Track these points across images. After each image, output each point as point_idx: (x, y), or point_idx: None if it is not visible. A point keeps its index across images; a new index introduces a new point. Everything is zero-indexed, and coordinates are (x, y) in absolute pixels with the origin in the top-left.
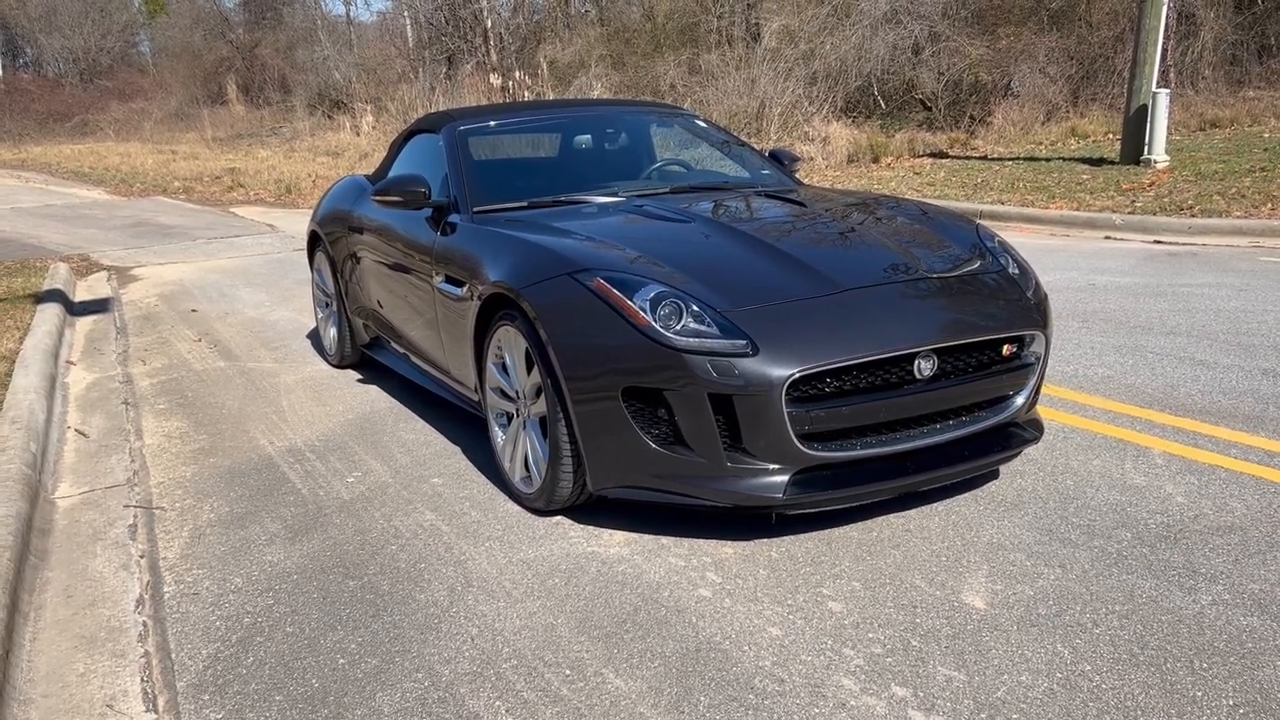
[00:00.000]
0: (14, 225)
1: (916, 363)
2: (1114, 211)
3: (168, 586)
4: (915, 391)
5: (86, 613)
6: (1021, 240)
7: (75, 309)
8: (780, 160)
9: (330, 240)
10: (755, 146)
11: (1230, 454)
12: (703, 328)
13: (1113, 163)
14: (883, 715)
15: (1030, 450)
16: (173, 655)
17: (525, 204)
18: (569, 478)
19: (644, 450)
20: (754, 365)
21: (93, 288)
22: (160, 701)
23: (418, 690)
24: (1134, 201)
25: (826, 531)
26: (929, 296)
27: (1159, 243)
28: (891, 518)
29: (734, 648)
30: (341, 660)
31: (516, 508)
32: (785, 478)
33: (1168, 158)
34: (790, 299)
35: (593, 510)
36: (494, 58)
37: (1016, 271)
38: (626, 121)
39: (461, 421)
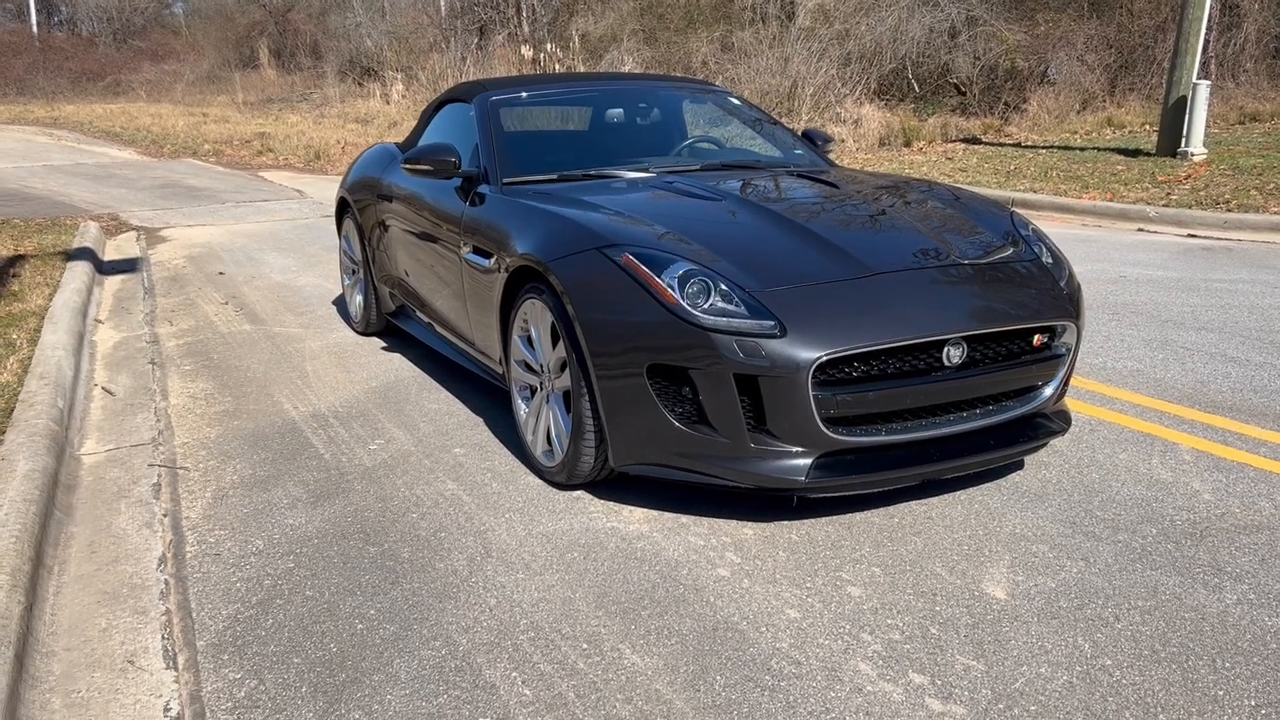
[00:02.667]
0: (45, 183)
1: (945, 350)
2: (1148, 204)
3: (190, 546)
4: (943, 379)
5: (109, 569)
6: (1053, 230)
7: (104, 268)
8: (813, 140)
9: (359, 207)
10: (788, 126)
11: (1260, 452)
12: (731, 307)
13: (1149, 154)
14: (899, 702)
15: (1056, 442)
16: (194, 614)
17: (555, 177)
18: (591, 453)
19: (667, 428)
20: (781, 347)
21: (121, 248)
22: (180, 660)
23: (435, 658)
24: (1169, 194)
25: (847, 516)
26: (960, 283)
27: (1193, 236)
28: (913, 504)
29: (751, 628)
30: (360, 625)
31: (537, 481)
32: (809, 461)
33: (1205, 151)
34: (819, 281)
35: (613, 486)
36: (526, 29)
37: (1050, 260)
38: (660, 97)
39: (485, 392)
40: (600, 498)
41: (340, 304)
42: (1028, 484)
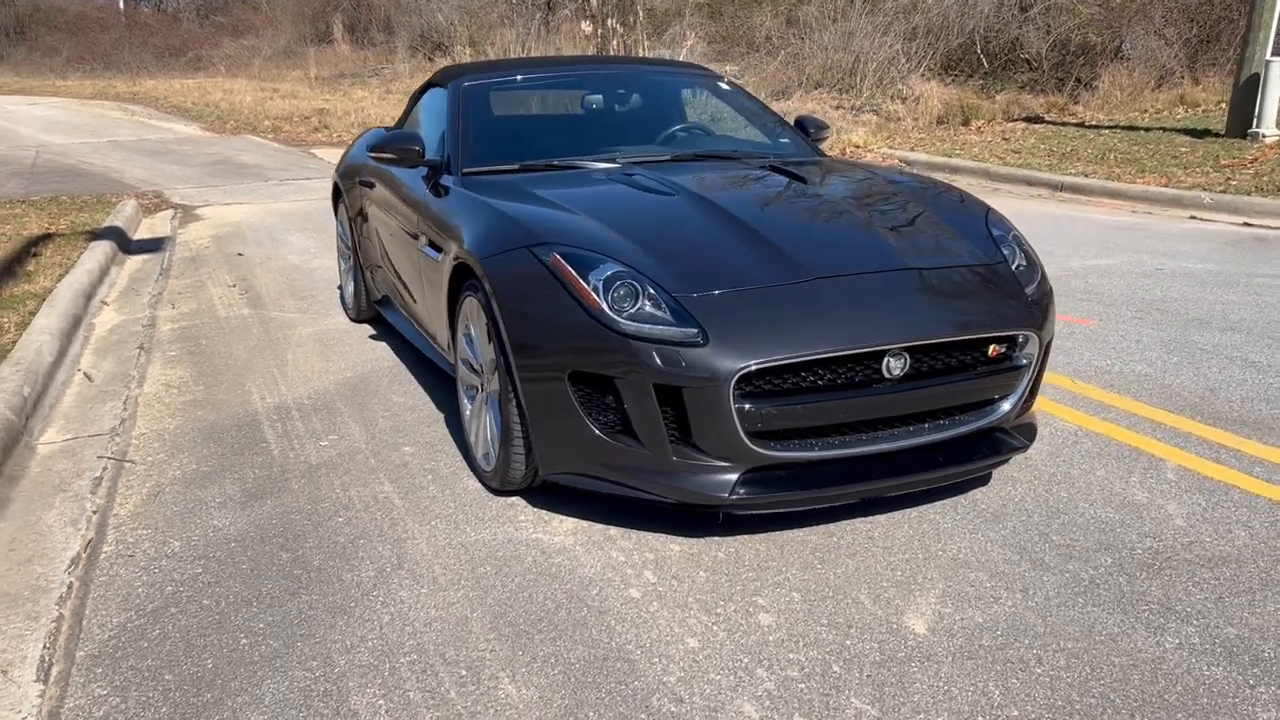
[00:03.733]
0: (105, 159)
1: (885, 361)
2: (1205, 189)
3: (108, 546)
4: (884, 392)
5: (21, 569)
6: (1099, 217)
7: (131, 248)
8: (806, 128)
9: (347, 192)
10: (779, 112)
11: (1253, 472)
12: (657, 313)
13: (1218, 135)
14: None
15: (1030, 455)
16: (84, 622)
17: (517, 167)
18: (521, 460)
19: (590, 437)
20: (702, 356)
21: (154, 226)
22: (54, 672)
23: (306, 680)
24: (1229, 179)
25: (782, 533)
26: (909, 289)
27: (1248, 225)
28: (857, 522)
29: (644, 658)
30: (244, 640)
31: (476, 485)
32: (734, 476)
33: (1278, 132)
34: (753, 286)
35: (549, 493)
36: (593, 2)
37: (1022, 265)
38: (644, 83)
39: (452, 388)
40: (535, 505)
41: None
42: (987, 502)
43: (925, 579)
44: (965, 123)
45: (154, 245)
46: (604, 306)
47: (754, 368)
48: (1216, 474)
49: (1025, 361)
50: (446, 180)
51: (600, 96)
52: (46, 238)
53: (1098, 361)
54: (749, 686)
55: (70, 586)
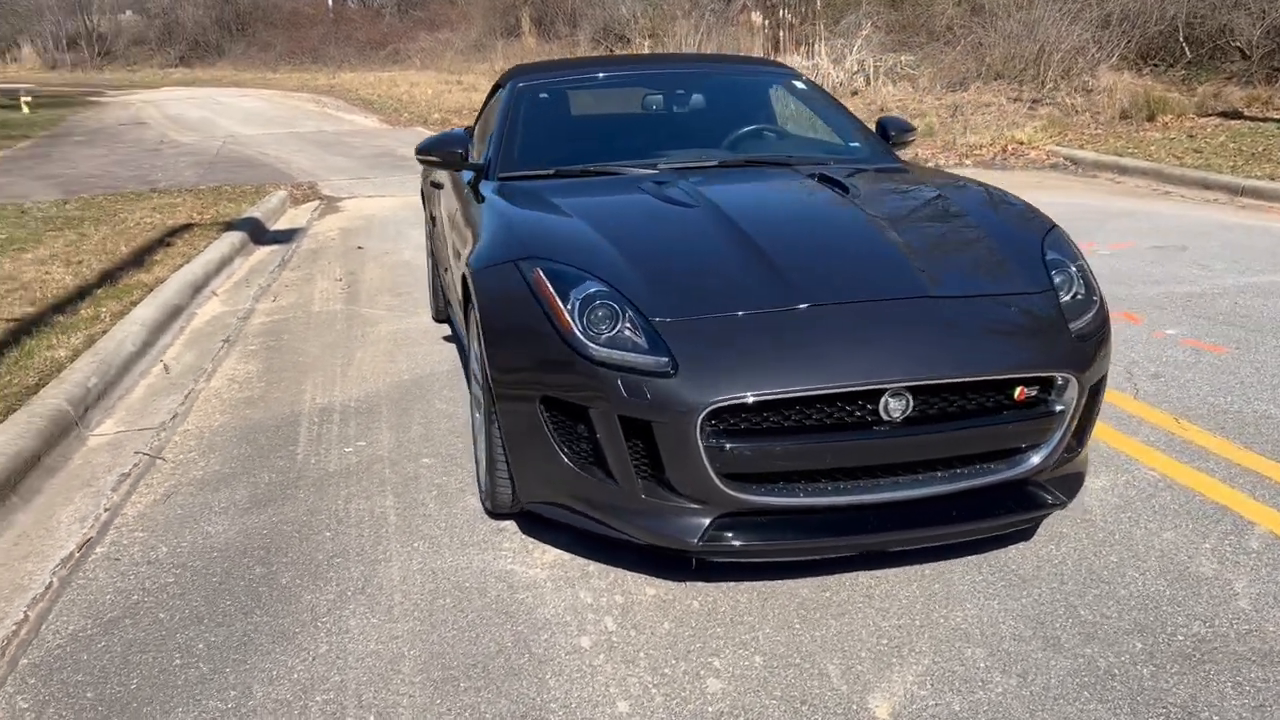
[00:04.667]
0: (280, 150)
1: (884, 401)
2: None
3: (100, 547)
4: (884, 436)
5: (14, 565)
6: (1269, 224)
7: (264, 238)
8: (887, 131)
9: (426, 193)
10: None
11: None
12: (633, 338)
13: None
14: None
15: (1089, 508)
16: (43, 627)
17: (552, 172)
18: (506, 484)
19: (562, 467)
20: (668, 388)
21: (294, 218)
22: None
23: (216, 712)
24: None
25: (772, 583)
26: (922, 320)
27: None
28: (861, 576)
29: None
30: (177, 661)
31: (478, 504)
32: (706, 520)
33: None
34: (740, 311)
35: (546, 520)
36: None
37: (1078, 295)
38: (708, 82)
39: None
40: (525, 532)
41: None
42: (1020, 561)
43: (912, 651)
44: (1150, 118)
45: (285, 237)
46: (575, 329)
47: (724, 403)
48: None
49: (1062, 407)
50: (484, 185)
51: (660, 97)
52: (186, 227)
53: (1215, 398)
54: None
55: (48, 587)
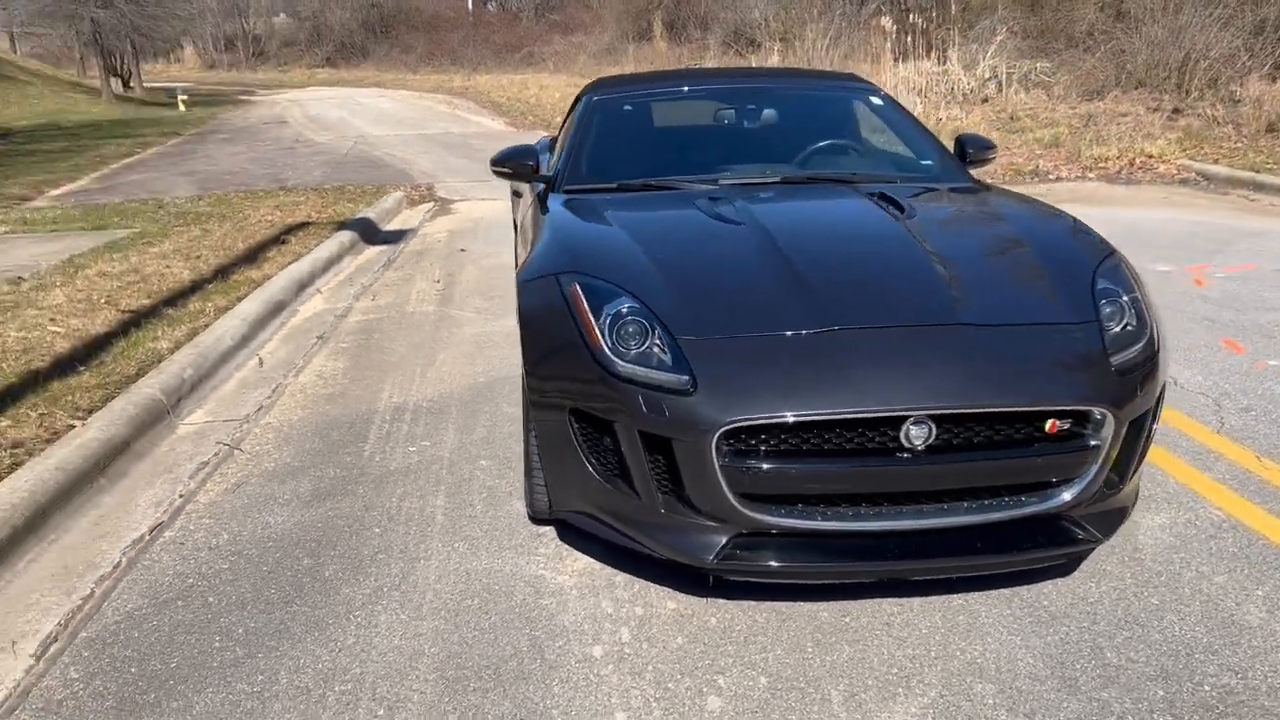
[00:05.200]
0: (405, 151)
1: (905, 428)
2: None
3: (169, 531)
4: (905, 463)
5: (91, 544)
6: None
7: (376, 238)
8: (965, 148)
9: (513, 201)
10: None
11: None
12: (661, 355)
13: None
14: None
15: (1139, 546)
16: (104, 604)
17: (615, 186)
18: (541, 491)
19: (588, 478)
20: (687, 406)
21: (407, 219)
22: (51, 649)
23: (241, 694)
24: None
25: (793, 606)
26: (952, 348)
27: None
28: (886, 603)
29: None
30: (216, 644)
31: (522, 509)
32: (723, 539)
33: None
34: (765, 332)
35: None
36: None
37: (1129, 326)
38: (782, 97)
39: None
40: (561, 539)
41: None
42: (1054, 598)
43: (921, 683)
44: None
45: (395, 237)
46: (604, 345)
47: (740, 424)
48: None
49: (1097, 442)
50: (551, 198)
51: (732, 112)
52: (302, 226)
53: None
54: None
55: (116, 566)
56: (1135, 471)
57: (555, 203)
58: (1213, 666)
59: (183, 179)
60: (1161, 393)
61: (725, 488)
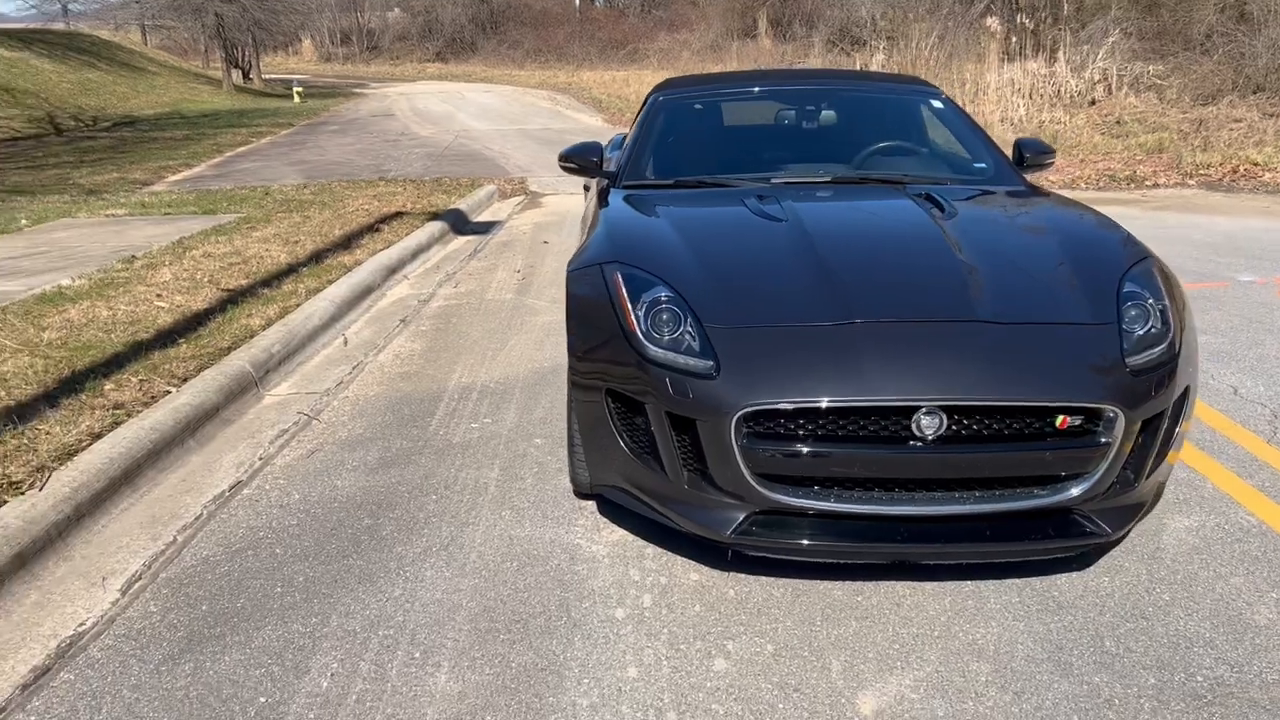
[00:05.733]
0: (503, 146)
1: (916, 418)
2: None
3: (247, 490)
4: (915, 452)
5: (178, 497)
6: None
7: (465, 229)
8: (1022, 152)
9: (585, 197)
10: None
11: None
12: (690, 342)
13: None
14: None
15: (1165, 544)
16: (184, 550)
17: (671, 183)
18: (582, 466)
19: (622, 455)
20: (709, 390)
21: (497, 211)
22: (136, 586)
23: (296, 634)
24: None
25: (811, 583)
26: (967, 343)
27: None
28: (899, 586)
29: (576, 677)
30: (278, 589)
31: (568, 484)
32: (740, 515)
33: None
34: (790, 323)
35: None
36: None
37: (1147, 331)
38: (841, 99)
39: None
40: (600, 512)
41: None
42: (1065, 588)
43: (919, 658)
44: None
45: (484, 228)
46: (638, 330)
47: (758, 407)
48: None
49: (1108, 440)
50: (612, 193)
51: (793, 112)
52: (397, 215)
53: None
54: None
55: (197, 518)
56: (1152, 470)
57: (615, 198)
58: (1209, 659)
59: (291, 168)
60: (1186, 395)
61: (743, 467)
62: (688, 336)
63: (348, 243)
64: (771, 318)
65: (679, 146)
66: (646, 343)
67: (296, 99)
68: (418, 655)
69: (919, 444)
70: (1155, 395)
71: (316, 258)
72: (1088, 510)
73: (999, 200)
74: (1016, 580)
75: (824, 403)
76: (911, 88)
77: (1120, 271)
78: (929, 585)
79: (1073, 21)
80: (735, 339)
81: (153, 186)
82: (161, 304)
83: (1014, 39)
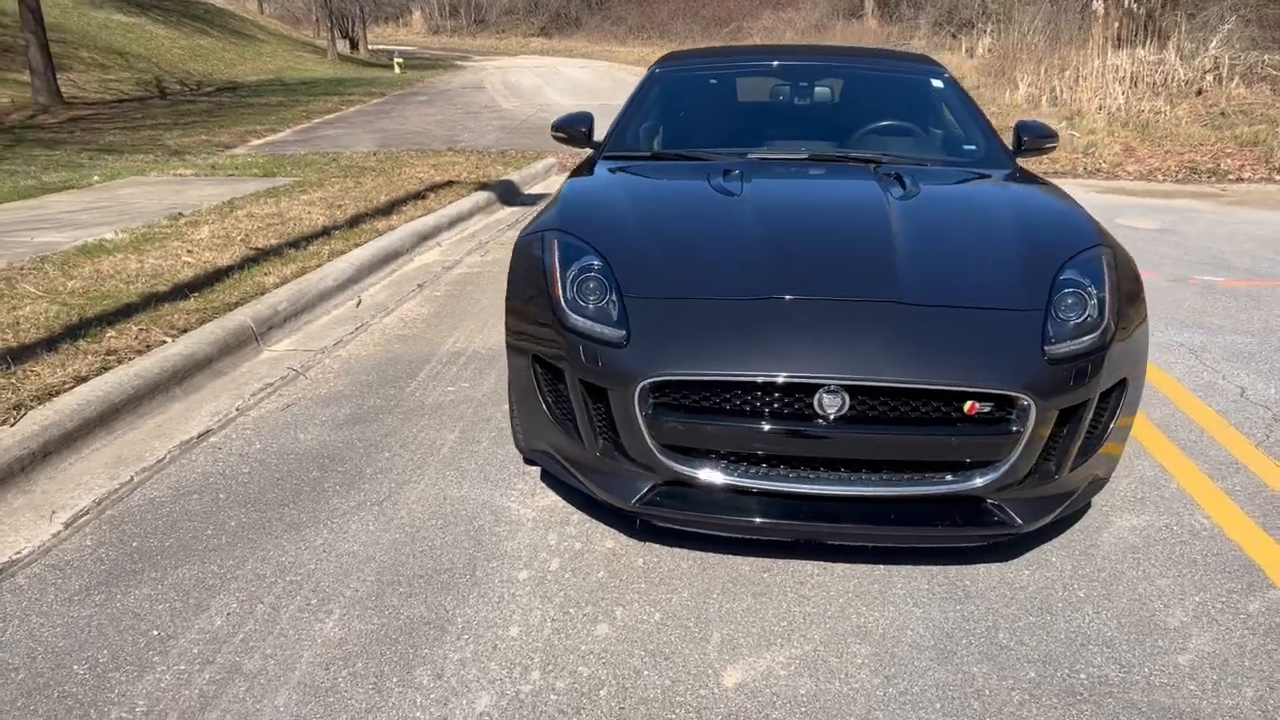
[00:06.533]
0: None
1: (818, 397)
2: None
3: (214, 437)
4: (819, 430)
5: (147, 442)
6: None
7: (515, 200)
8: (1021, 136)
9: None
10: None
11: None
12: (609, 311)
13: None
14: None
15: (1103, 542)
16: (135, 491)
17: (649, 154)
18: (519, 430)
19: (545, 419)
20: (618, 359)
21: (552, 184)
22: (79, 521)
23: (208, 576)
24: None
25: (719, 558)
26: (881, 324)
27: None
28: (809, 565)
29: (457, 633)
30: (209, 532)
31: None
32: (646, 485)
33: None
34: (707, 296)
35: None
36: None
37: (1080, 320)
38: (837, 75)
39: None
40: (541, 478)
41: None
42: (978, 578)
43: (802, 637)
44: None
45: (533, 200)
46: (562, 297)
47: (661, 378)
48: None
49: (1019, 429)
50: (598, 163)
51: (787, 88)
52: (448, 184)
53: None
54: (508, 686)
55: (159, 461)
56: (1077, 463)
57: (599, 168)
58: (1101, 659)
59: (370, 135)
60: (1123, 388)
61: (648, 438)
62: (610, 306)
63: (390, 209)
64: (691, 291)
65: (666, 120)
66: (568, 310)
67: (397, 69)
68: (314, 602)
69: (821, 423)
70: (1075, 386)
71: (354, 222)
72: (1000, 500)
73: (973, 183)
74: (932, 568)
75: (727, 376)
76: (914, 66)
77: (1064, 259)
78: (840, 567)
79: (1187, 6)
80: (651, 310)
81: (234, 150)
82: (188, 259)
83: (1122, 24)
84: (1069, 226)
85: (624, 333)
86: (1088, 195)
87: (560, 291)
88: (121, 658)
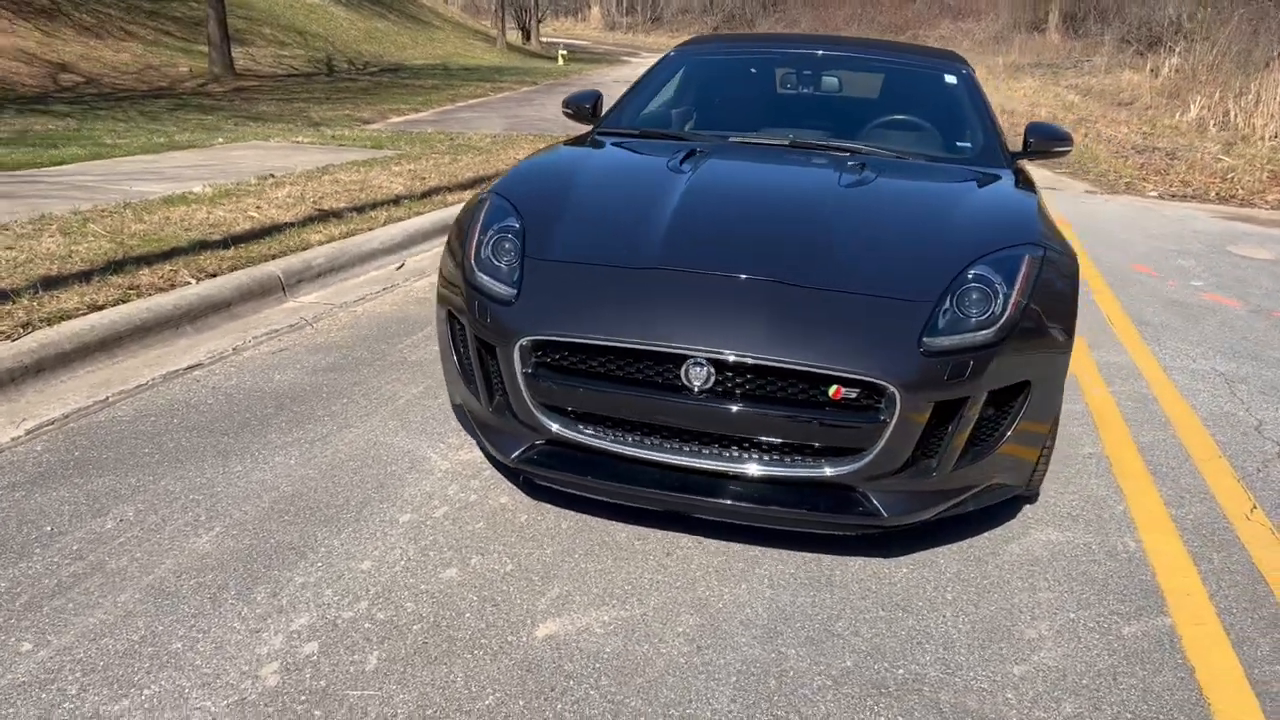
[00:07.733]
0: None
1: (686, 368)
2: None
3: (199, 371)
4: (686, 402)
5: (140, 369)
6: None
7: None
8: (1029, 138)
9: None
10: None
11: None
12: (512, 270)
13: None
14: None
15: (1014, 550)
16: (106, 409)
17: (637, 133)
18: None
19: (454, 376)
20: (504, 317)
21: None
22: (42, 429)
23: (125, 489)
24: None
25: (601, 522)
26: (758, 303)
27: None
28: (683, 538)
29: (310, 563)
30: (147, 450)
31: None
32: (526, 444)
33: None
34: (601, 264)
35: None
36: None
37: (984, 315)
38: (855, 68)
39: None
40: None
41: None
42: (844, 570)
43: (638, 601)
44: None
45: None
46: (472, 255)
47: (539, 338)
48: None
49: (881, 419)
50: (589, 138)
51: (794, 77)
52: None
53: None
54: (330, 611)
55: (139, 386)
56: (961, 462)
57: (593, 139)
58: (929, 659)
59: (502, 120)
60: (1024, 393)
61: (526, 396)
62: (515, 267)
63: (468, 185)
64: (587, 257)
65: (667, 100)
66: (475, 268)
67: (560, 62)
68: (202, 519)
69: (688, 395)
70: (951, 381)
71: (428, 194)
72: (868, 489)
73: (943, 179)
74: (806, 555)
75: (599, 341)
76: (932, 61)
77: (976, 255)
78: (713, 543)
79: None
80: (544, 271)
81: (371, 125)
82: (253, 214)
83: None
84: (1010, 226)
85: (515, 291)
86: (1203, 220)
87: (474, 249)
88: (8, 544)
